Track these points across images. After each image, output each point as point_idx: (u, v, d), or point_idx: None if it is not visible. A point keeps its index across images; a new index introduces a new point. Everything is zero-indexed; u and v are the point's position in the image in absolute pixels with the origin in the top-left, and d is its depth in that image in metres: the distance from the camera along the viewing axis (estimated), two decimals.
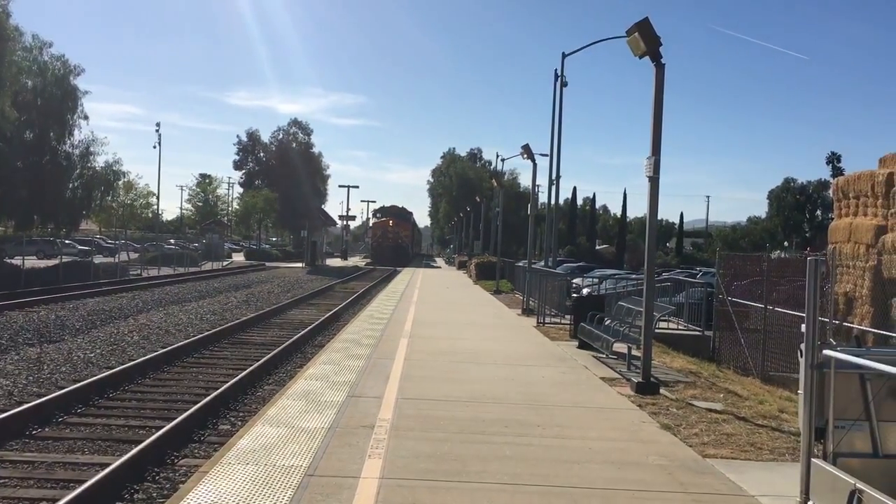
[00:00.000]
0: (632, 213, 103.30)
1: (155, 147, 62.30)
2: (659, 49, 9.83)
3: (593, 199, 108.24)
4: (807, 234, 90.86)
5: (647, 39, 9.71)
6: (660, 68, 9.96)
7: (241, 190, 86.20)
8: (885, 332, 13.03)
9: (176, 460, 7.78)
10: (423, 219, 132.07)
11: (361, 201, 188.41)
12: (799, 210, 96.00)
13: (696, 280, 23.11)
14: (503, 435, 7.44)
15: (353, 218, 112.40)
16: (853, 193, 16.18)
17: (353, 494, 5.50)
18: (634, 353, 11.46)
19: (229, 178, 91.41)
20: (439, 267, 72.02)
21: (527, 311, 21.37)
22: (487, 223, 61.46)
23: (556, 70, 29.41)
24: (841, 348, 4.66)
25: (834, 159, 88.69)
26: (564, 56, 28.78)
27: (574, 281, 24.71)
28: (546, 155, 31.53)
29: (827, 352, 4.58)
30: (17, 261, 31.24)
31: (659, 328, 14.98)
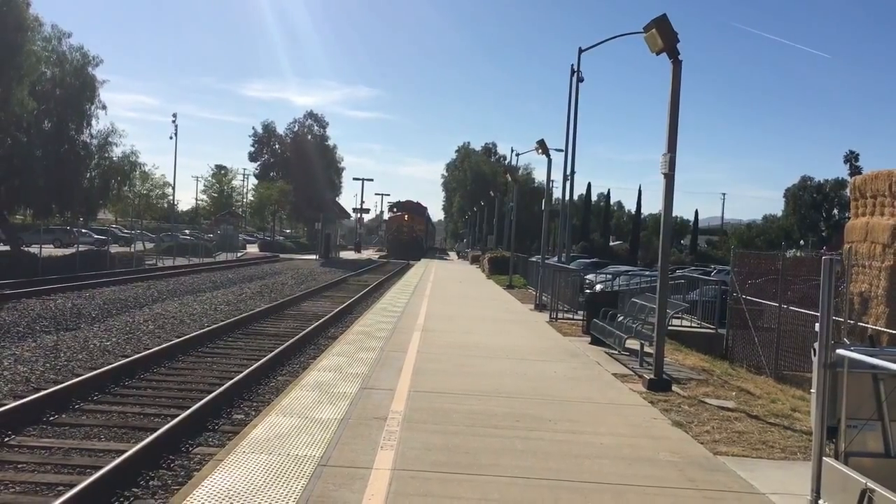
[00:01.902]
0: (646, 210, 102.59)
1: (171, 138, 62.85)
2: (676, 45, 9.78)
3: (608, 196, 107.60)
4: (823, 233, 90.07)
5: (664, 36, 9.67)
6: (677, 65, 9.92)
7: (255, 181, 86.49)
8: None
9: (191, 448, 7.89)
10: (436, 213, 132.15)
11: (375, 194, 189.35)
12: (815, 209, 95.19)
13: (710, 278, 23.04)
14: (514, 429, 7.48)
15: (367, 211, 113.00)
16: (870, 193, 16.04)
17: (365, 485, 5.56)
18: (647, 349, 11.46)
19: (244, 169, 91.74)
20: (452, 261, 72.11)
21: (539, 307, 21.36)
22: (501, 218, 61.39)
23: (571, 65, 29.24)
24: (854, 348, 4.65)
25: (852, 158, 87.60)
26: (581, 51, 28.54)
27: (587, 277, 24.69)
28: (561, 150, 31.35)
29: (840, 351, 4.57)
30: (34, 249, 31.57)
31: (672, 325, 14.96)
